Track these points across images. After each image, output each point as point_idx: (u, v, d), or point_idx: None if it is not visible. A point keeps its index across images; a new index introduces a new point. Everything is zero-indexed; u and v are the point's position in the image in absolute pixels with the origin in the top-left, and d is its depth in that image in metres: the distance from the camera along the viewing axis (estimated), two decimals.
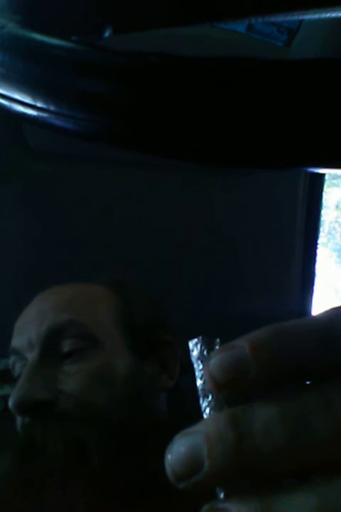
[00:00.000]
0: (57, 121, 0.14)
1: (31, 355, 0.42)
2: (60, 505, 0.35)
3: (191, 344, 0.15)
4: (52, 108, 0.14)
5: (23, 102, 0.14)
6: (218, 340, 0.14)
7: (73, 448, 0.36)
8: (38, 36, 0.14)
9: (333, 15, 0.15)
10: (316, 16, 0.16)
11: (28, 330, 0.43)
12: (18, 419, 0.42)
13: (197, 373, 0.14)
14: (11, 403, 0.39)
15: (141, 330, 0.45)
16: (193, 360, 0.14)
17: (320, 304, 0.83)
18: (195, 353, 0.14)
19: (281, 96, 0.12)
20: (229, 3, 0.18)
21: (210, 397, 0.14)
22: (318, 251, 0.78)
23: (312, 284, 0.78)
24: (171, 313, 0.50)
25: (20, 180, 0.60)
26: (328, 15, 0.15)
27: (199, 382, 0.14)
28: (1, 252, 0.61)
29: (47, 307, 0.44)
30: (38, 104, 0.14)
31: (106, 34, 0.17)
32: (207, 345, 0.14)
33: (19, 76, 0.15)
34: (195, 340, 0.15)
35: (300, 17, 0.16)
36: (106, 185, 0.63)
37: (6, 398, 0.58)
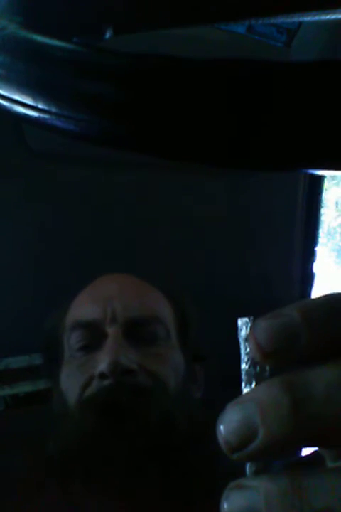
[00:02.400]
0: (58, 123, 0.14)
1: (114, 329, 0.44)
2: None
3: (240, 322, 0.13)
4: (53, 109, 0.14)
5: (24, 104, 0.15)
6: None
7: (164, 420, 0.40)
8: (39, 38, 0.14)
9: (333, 17, 0.15)
10: (316, 18, 0.16)
11: (109, 305, 0.46)
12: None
13: (242, 355, 0.13)
14: (105, 365, 0.41)
15: (190, 340, 0.49)
16: (241, 340, 0.13)
17: None
18: (243, 333, 0.13)
19: (283, 97, 0.12)
20: (229, 4, 0.18)
21: (252, 378, 0.13)
22: (317, 251, 0.78)
23: (312, 284, 0.78)
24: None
25: (19, 180, 0.60)
26: (327, 17, 0.15)
27: (244, 366, 0.13)
28: None
29: (130, 292, 0.48)
30: (39, 106, 0.14)
31: (107, 35, 0.17)
32: None
33: (20, 77, 0.15)
34: (245, 318, 0.13)
35: (300, 19, 0.16)
36: (107, 186, 0.63)
37: (6, 399, 0.58)
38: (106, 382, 0.41)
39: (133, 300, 0.47)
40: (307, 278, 0.77)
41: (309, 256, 0.76)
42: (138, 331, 0.45)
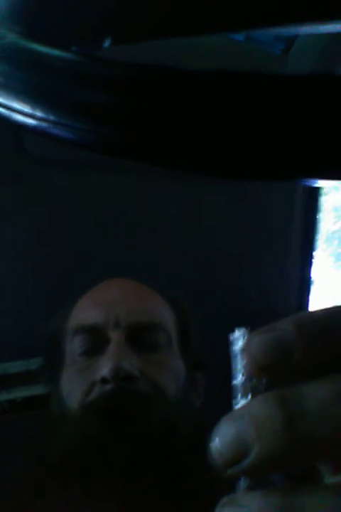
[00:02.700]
0: (57, 131, 0.14)
1: (116, 334, 0.44)
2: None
3: (236, 334, 0.13)
4: (51, 118, 0.14)
5: (22, 112, 0.15)
6: None
7: (164, 427, 0.40)
8: (38, 47, 0.15)
9: (330, 29, 0.16)
10: (312, 30, 0.16)
11: (112, 310, 0.46)
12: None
13: (238, 368, 0.13)
14: (107, 370, 0.41)
15: (191, 347, 0.49)
16: (234, 353, 0.13)
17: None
18: (238, 345, 0.13)
19: (280, 110, 0.12)
20: (227, 14, 0.18)
21: (248, 392, 0.12)
22: (315, 256, 0.78)
23: (310, 290, 0.78)
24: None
25: (18, 185, 0.60)
26: (325, 29, 0.16)
27: (238, 379, 0.13)
28: None
29: (133, 297, 0.48)
30: (38, 114, 0.14)
31: (106, 44, 0.18)
32: None
33: (19, 86, 0.15)
34: (240, 331, 0.13)
35: (297, 31, 0.17)
36: (106, 192, 0.63)
37: (3, 404, 0.58)
38: (107, 387, 0.41)
39: (137, 305, 0.47)
40: (306, 283, 0.77)
41: (307, 261, 0.77)
42: (140, 337, 0.45)
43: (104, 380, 0.42)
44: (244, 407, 0.12)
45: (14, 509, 0.39)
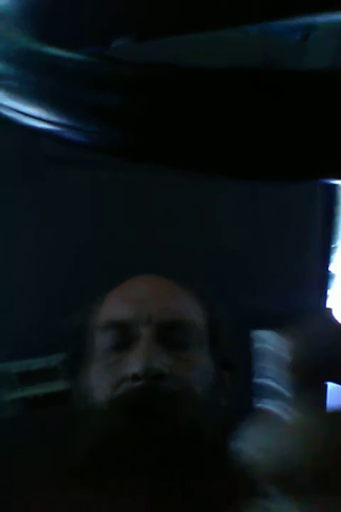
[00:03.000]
0: (70, 134, 0.14)
1: (147, 331, 0.44)
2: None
3: (257, 334, 0.13)
4: (64, 121, 0.14)
5: (36, 116, 0.15)
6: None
7: (191, 427, 0.41)
8: (50, 50, 0.15)
9: None
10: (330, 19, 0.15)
11: (143, 307, 0.46)
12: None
13: (266, 370, 0.12)
14: (139, 367, 0.42)
15: (220, 347, 0.49)
16: (257, 352, 0.13)
17: (337, 304, 0.81)
18: (260, 345, 0.13)
19: (298, 107, 0.11)
20: (241, 9, 0.18)
21: (277, 394, 0.12)
22: (335, 250, 0.76)
23: (329, 285, 0.76)
24: None
25: (35, 185, 0.61)
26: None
27: (262, 379, 0.13)
28: (11, 259, 0.62)
29: (164, 294, 0.48)
30: (51, 118, 0.14)
31: (118, 44, 0.17)
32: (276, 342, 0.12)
33: (33, 90, 0.15)
34: (265, 332, 0.13)
35: (314, 20, 0.16)
36: (124, 191, 0.63)
37: (25, 400, 0.59)
38: (137, 384, 0.42)
39: (168, 302, 0.47)
40: (325, 278, 0.76)
41: (327, 255, 0.75)
42: (171, 335, 0.45)
43: (134, 377, 0.42)
44: (284, 416, 0.12)
45: (39, 504, 0.39)
